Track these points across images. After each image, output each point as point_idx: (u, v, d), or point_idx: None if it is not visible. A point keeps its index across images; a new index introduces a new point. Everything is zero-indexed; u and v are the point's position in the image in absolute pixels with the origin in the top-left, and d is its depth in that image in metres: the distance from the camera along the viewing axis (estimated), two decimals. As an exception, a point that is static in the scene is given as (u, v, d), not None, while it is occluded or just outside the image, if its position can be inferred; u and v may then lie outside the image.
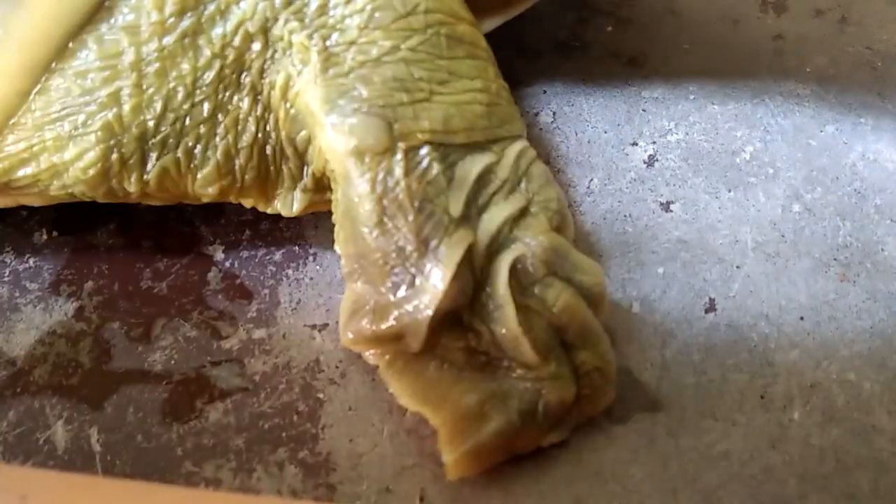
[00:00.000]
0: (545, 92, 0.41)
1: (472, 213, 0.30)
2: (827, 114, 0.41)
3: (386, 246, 0.29)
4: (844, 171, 0.39)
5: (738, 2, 0.46)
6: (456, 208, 0.30)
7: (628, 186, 0.38)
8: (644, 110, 0.41)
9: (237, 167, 0.31)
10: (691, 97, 0.41)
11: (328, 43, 0.30)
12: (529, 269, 0.30)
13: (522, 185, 0.31)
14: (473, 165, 0.30)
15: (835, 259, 0.36)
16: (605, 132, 0.40)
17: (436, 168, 0.30)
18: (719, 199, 0.37)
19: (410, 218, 0.29)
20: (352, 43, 0.30)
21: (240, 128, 0.31)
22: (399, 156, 0.29)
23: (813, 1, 0.46)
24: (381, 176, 0.29)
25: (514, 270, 0.30)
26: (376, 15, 0.30)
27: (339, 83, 0.29)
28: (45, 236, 0.35)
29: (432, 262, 0.29)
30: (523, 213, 0.31)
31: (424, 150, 0.30)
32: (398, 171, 0.29)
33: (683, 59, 0.43)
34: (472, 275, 0.29)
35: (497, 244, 0.30)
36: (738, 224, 0.37)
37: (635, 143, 0.39)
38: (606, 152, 0.39)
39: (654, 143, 0.39)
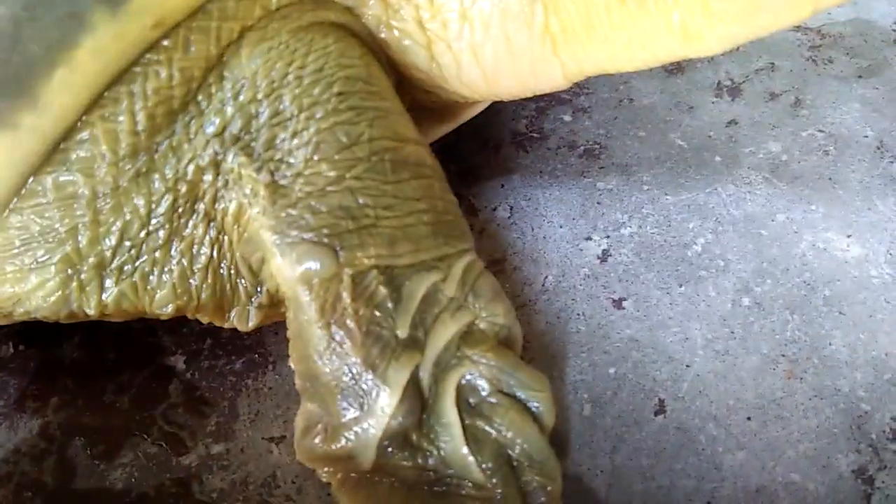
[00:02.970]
0: (503, 186, 0.43)
1: (419, 332, 0.31)
2: (778, 202, 0.42)
3: (335, 369, 0.30)
4: (794, 262, 0.40)
5: (693, 87, 0.47)
6: (403, 330, 0.31)
7: (582, 283, 0.39)
8: (599, 203, 0.42)
9: (193, 287, 0.32)
10: (645, 188, 0.42)
11: (276, 176, 0.31)
12: (476, 388, 0.31)
13: (469, 300, 0.32)
14: (420, 285, 0.31)
15: (783, 355, 0.36)
16: (561, 227, 0.41)
17: (382, 291, 0.31)
18: (670, 294, 0.38)
19: (358, 342, 0.30)
20: (299, 174, 0.31)
21: (195, 251, 0.32)
22: (346, 281, 0.30)
23: (767, 83, 0.47)
24: (329, 302, 0.30)
25: (460, 389, 0.31)
26: (322, 147, 0.31)
27: (288, 213, 0.30)
28: (11, 350, 0.36)
29: (379, 386, 0.30)
30: (470, 328, 0.32)
31: (371, 275, 0.31)
32: (346, 296, 0.30)
33: (638, 147, 0.44)
34: (420, 395, 0.30)
35: (444, 363, 0.31)
36: (688, 320, 0.37)
37: (589, 238, 0.40)
38: (561, 248, 0.40)
39: (607, 237, 0.40)
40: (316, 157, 0.31)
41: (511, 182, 0.43)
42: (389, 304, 0.31)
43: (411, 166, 0.32)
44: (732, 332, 0.37)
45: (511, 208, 0.42)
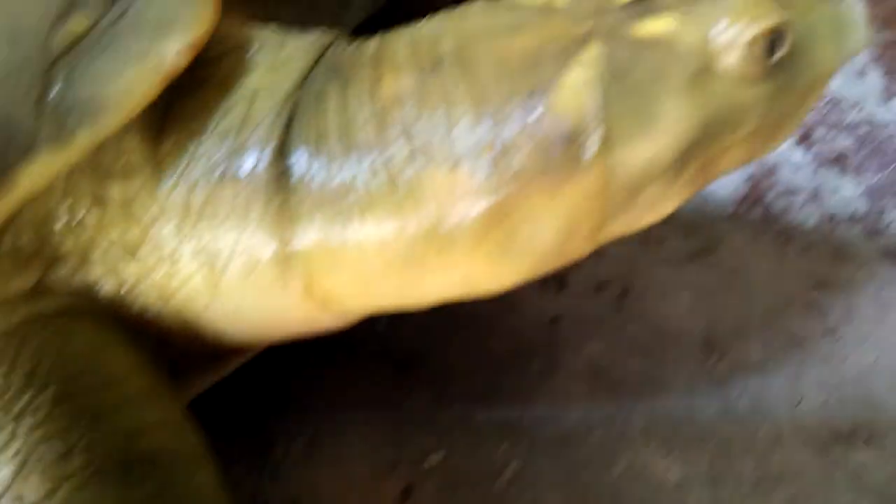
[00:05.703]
0: (306, 411, 0.40)
1: None
2: (596, 415, 0.40)
3: None
4: (607, 491, 0.37)
5: (517, 281, 0.45)
6: None
7: (378, 535, 0.36)
8: (408, 424, 0.39)
9: None
10: (456, 405, 0.40)
11: None
12: None
13: None
14: None
15: None
16: (364, 458, 0.38)
17: None
18: (472, 543, 0.36)
19: None
20: (3, 493, 0.28)
21: None
22: None
23: (595, 270, 0.45)
24: None
25: None
26: (31, 461, 0.27)
27: None
28: None
29: None
30: None
31: None
32: None
33: (453, 358, 0.42)
34: None
35: None
36: (488, 575, 0.35)
37: (393, 471, 0.38)
38: (361, 487, 0.37)
39: (412, 467, 0.38)
40: (24, 472, 0.28)
41: (315, 406, 0.40)
42: None
43: (147, 461, 0.29)
44: (534, 588, 0.35)
45: (310, 442, 0.39)
